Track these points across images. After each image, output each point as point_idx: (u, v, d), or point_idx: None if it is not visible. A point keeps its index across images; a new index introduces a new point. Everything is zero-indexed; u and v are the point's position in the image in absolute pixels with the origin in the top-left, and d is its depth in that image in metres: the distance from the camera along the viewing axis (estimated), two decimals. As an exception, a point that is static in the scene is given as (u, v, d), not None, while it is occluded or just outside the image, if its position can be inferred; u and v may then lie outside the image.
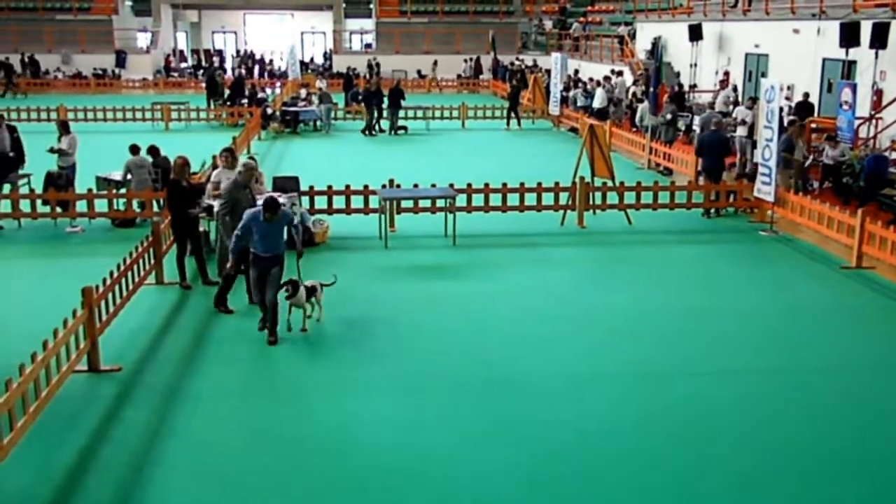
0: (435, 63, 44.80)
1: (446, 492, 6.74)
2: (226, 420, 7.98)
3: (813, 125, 20.07)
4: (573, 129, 27.83)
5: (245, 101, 30.77)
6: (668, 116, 21.80)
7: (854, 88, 18.34)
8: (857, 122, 19.03)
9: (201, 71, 44.69)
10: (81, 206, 14.81)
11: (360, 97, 30.62)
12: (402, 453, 7.35)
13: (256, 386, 8.77)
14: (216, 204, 11.16)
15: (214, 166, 12.76)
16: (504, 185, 15.33)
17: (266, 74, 48.72)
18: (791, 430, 7.82)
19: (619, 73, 32.17)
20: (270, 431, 7.75)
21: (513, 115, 29.54)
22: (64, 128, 16.28)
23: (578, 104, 29.55)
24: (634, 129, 24.57)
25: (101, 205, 14.84)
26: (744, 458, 7.28)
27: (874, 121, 19.54)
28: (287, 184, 14.79)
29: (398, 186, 15.17)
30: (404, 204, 14.99)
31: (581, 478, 6.96)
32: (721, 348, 9.77)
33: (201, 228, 12.35)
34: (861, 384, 8.83)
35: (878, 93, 19.97)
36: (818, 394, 8.59)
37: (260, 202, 11.84)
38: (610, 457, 7.30)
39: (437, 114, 30.16)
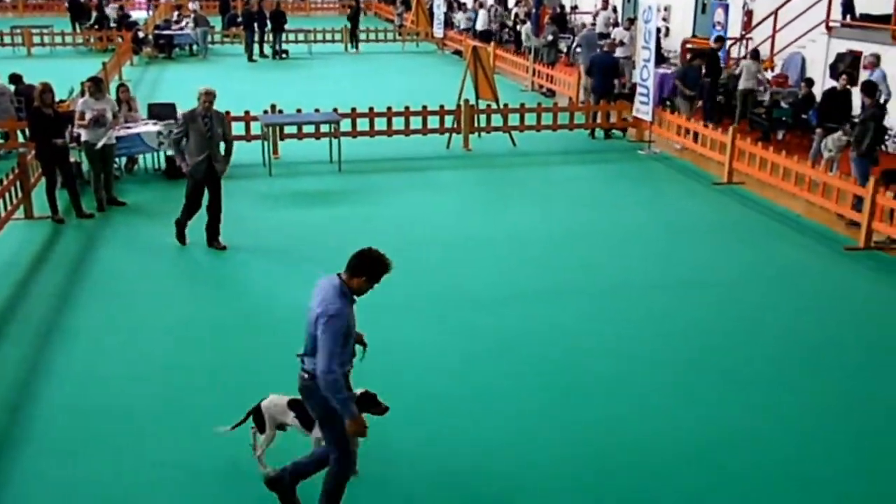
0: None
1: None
2: (108, 355, 7.77)
3: (688, 45, 20.58)
4: (457, 52, 27.69)
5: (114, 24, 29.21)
6: (550, 38, 21.94)
7: (727, 9, 18.85)
8: (729, 42, 19.63)
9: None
10: (-62, 138, 13.91)
11: (238, 20, 29.53)
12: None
13: (139, 320, 8.55)
14: (103, 134, 10.59)
15: (83, 94, 12.12)
16: (389, 109, 15.20)
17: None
18: (680, 342, 8.20)
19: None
20: (155, 364, 7.60)
21: (353, 37, 29.26)
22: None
23: (462, 26, 29.36)
24: (521, 51, 24.63)
25: (-40, 136, 13.96)
26: (626, 370, 7.62)
27: (745, 41, 20.19)
28: (163, 111, 14.27)
29: (280, 112, 14.82)
30: (287, 130, 14.69)
31: (473, 397, 7.15)
32: (606, 266, 10.09)
33: (72, 159, 11.79)
34: (734, 294, 9.30)
35: (749, 13, 20.59)
36: (696, 307, 9.00)
37: (137, 128, 11.36)
38: (499, 378, 7.50)
39: (320, 37, 29.45)
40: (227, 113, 14.38)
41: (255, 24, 26.95)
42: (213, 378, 7.37)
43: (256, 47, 27.08)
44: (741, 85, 16.35)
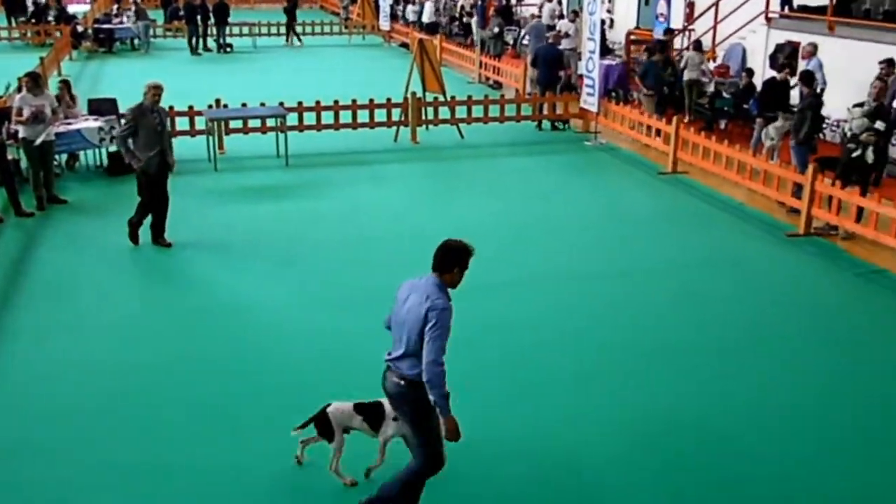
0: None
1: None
2: (51, 355, 7.61)
3: (632, 37, 20.80)
4: (404, 45, 27.63)
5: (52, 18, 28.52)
6: (496, 30, 22.01)
7: (669, 1, 19.08)
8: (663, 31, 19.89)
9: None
10: None
11: (180, 13, 29.06)
12: (246, 380, 7.30)
13: (83, 320, 8.39)
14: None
15: (20, 90, 11.83)
16: (336, 102, 15.10)
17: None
18: (629, 328, 8.31)
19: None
20: (100, 363, 7.47)
21: (291, 31, 29.01)
22: None
23: (410, 18, 29.29)
24: (468, 44, 24.66)
25: None
26: (580, 355, 7.70)
27: (687, 32, 20.49)
28: (103, 106, 14.01)
29: (226, 107, 14.64)
30: (233, 124, 14.50)
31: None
32: (554, 256, 10.17)
33: (10, 157, 11.50)
34: (682, 281, 9.45)
35: (691, 5, 20.88)
36: (643, 294, 9.13)
37: (78, 124, 11.13)
38: (451, 369, 7.51)
39: (265, 30, 29.13)
40: (171, 108, 14.19)
41: (198, 18, 26.54)
42: (160, 376, 7.26)
43: (200, 41, 26.68)
44: (686, 76, 16.58)
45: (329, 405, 5.81)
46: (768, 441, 6.39)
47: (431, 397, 4.91)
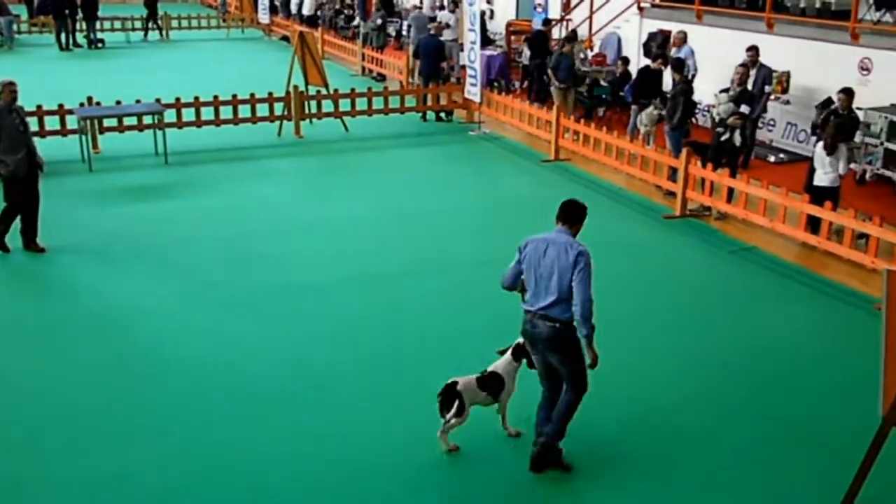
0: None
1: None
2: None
3: (512, 28, 21.11)
4: (285, 38, 27.23)
5: None
6: (379, 22, 21.95)
7: (546, -9, 19.46)
8: (541, 22, 20.26)
9: None
10: None
11: (47, 7, 27.73)
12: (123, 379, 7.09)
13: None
14: None
15: None
16: (216, 97, 14.76)
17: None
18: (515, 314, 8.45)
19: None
20: (-27, 378, 7.13)
21: (150, 25, 28.19)
22: None
23: (292, 12, 28.86)
24: (349, 37, 24.50)
25: None
26: (462, 344, 7.80)
27: (565, 22, 20.94)
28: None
29: (99, 104, 14.11)
30: (107, 122, 13.99)
31: (314, 388, 7.12)
32: (436, 245, 10.25)
33: None
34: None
35: (568, -5, 21.36)
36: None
37: None
38: (337, 368, 7.51)
39: (138, 25, 28.16)
40: (40, 107, 13.58)
41: (66, 12, 25.40)
42: (39, 385, 6.97)
43: (70, 37, 25.55)
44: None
45: (455, 383, 6.01)
46: (655, 398, 6.66)
47: (584, 331, 5.64)
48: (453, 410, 5.97)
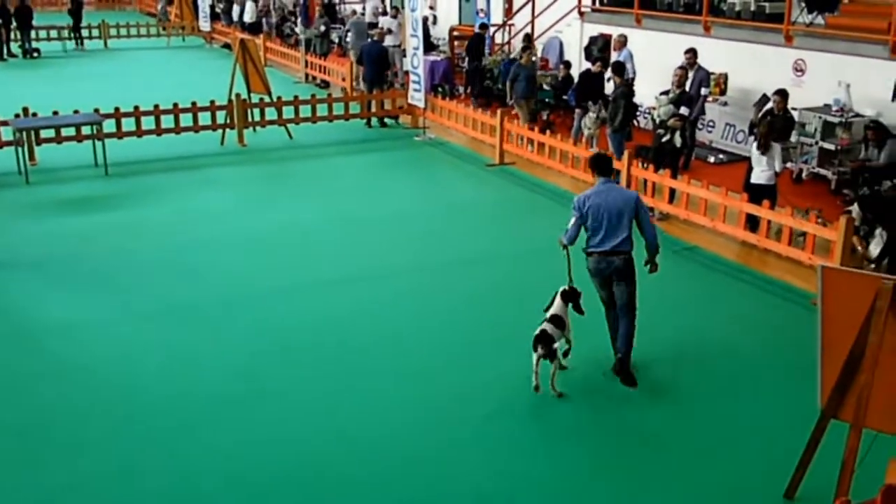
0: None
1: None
2: None
3: (455, 33, 21.20)
4: (226, 45, 26.96)
5: None
6: (322, 28, 21.87)
7: (488, -3, 19.60)
8: (492, 29, 20.44)
9: None
10: None
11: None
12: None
13: None
14: None
15: None
16: (156, 106, 14.54)
17: None
18: (461, 314, 8.48)
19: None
20: None
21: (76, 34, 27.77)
22: None
23: (233, 19, 28.58)
24: (294, 44, 24.35)
25: None
26: (408, 350, 7.80)
27: (507, 27, 21.10)
28: None
29: (35, 115, 13.80)
30: (44, 133, 13.68)
31: (261, 394, 7.05)
32: (384, 252, 10.23)
33: None
34: (509, 269, 9.74)
35: (510, 0, 21.52)
36: (476, 282, 9.34)
37: None
38: (287, 374, 7.45)
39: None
40: (-28, 119, 13.25)
41: (0, 21, 24.82)
42: (-25, 407, 6.80)
43: (3, 46, 24.96)
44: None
45: (544, 329, 6.92)
46: (600, 405, 6.74)
47: (655, 251, 7.08)
48: (543, 350, 6.83)
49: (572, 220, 7.07)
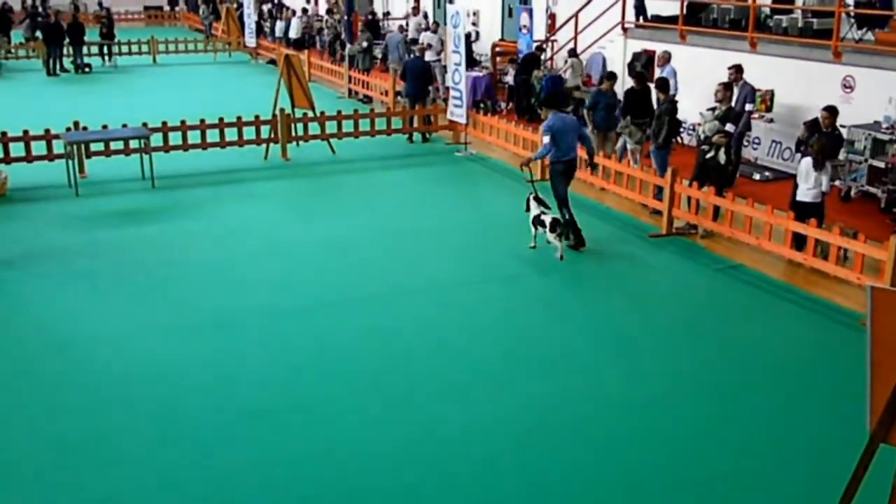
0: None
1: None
2: None
3: (497, 49, 21.25)
4: (272, 61, 27.31)
5: None
6: (364, 44, 22.06)
7: (531, 13, 19.61)
8: (534, 45, 20.44)
9: None
10: None
11: (36, 33, 27.75)
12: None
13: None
14: None
15: None
16: (202, 121, 14.77)
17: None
18: (495, 333, 8.46)
19: (315, 2, 31.89)
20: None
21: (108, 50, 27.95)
22: None
23: (277, 35, 28.97)
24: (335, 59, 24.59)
25: None
26: (451, 365, 7.78)
27: (550, 43, 21.09)
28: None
29: (85, 129, 14.09)
30: (94, 147, 13.97)
31: (295, 408, 7.08)
32: (426, 265, 10.25)
33: None
34: (549, 286, 9.70)
35: (552, 17, 21.53)
36: (519, 298, 9.32)
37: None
38: (327, 388, 7.48)
39: (125, 49, 28.21)
40: (26, 132, 13.57)
41: (52, 38, 25.41)
42: (18, 412, 6.92)
43: (57, 62, 25.58)
44: (570, 83, 16.90)
45: (555, 217, 10.27)
46: (644, 416, 6.65)
47: (592, 155, 11.30)
48: (560, 230, 10.28)
49: (546, 140, 10.22)
